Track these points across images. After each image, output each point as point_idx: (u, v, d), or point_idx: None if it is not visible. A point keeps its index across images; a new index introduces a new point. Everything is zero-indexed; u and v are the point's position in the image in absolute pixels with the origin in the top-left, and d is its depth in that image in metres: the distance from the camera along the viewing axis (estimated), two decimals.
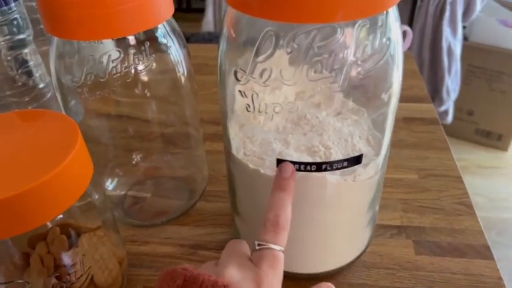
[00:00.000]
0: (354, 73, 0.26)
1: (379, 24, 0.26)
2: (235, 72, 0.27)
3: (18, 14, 0.41)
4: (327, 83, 0.26)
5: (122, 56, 0.33)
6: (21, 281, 0.29)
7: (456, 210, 0.44)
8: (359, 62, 0.26)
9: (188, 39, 0.39)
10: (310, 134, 0.31)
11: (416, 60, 1.39)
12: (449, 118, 1.47)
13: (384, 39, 0.26)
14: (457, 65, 1.39)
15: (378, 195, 0.36)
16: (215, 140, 0.55)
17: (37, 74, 0.45)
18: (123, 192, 0.46)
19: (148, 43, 0.34)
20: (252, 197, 0.34)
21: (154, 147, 0.45)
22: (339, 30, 0.24)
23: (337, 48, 0.25)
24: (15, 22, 0.42)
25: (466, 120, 1.57)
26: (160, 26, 0.36)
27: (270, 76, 0.26)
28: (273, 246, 0.26)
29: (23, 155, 0.27)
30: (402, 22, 0.28)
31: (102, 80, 0.34)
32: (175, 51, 0.37)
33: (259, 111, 0.28)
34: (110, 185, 0.46)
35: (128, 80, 0.35)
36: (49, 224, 0.31)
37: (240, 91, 0.28)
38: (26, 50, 0.44)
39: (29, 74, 0.45)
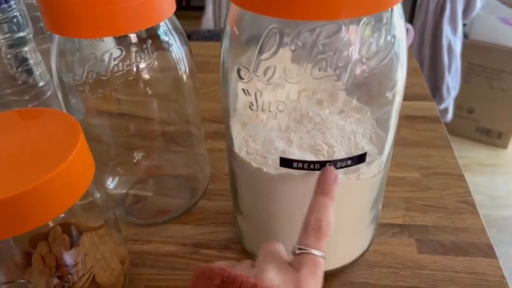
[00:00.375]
0: (358, 71, 0.26)
1: (384, 21, 0.26)
2: (239, 70, 0.27)
3: (18, 11, 0.41)
4: (331, 81, 0.26)
5: (124, 54, 0.33)
6: (22, 280, 0.29)
7: (459, 208, 0.44)
8: (364, 60, 0.25)
9: (188, 37, 0.39)
10: (313, 132, 0.30)
11: (417, 58, 1.39)
12: (449, 116, 1.47)
13: (389, 37, 0.26)
14: (457, 63, 1.39)
15: (381, 193, 0.36)
16: (217, 138, 0.55)
17: (37, 72, 0.45)
18: (124, 191, 0.46)
19: (150, 41, 0.34)
20: (254, 195, 0.34)
21: (156, 145, 0.45)
22: (343, 27, 0.24)
23: (342, 46, 0.25)
24: (15, 20, 0.41)
25: (466, 118, 1.57)
26: (162, 23, 0.35)
27: (273, 74, 0.26)
28: (314, 251, 0.25)
29: (24, 154, 0.27)
30: None
31: (103, 78, 0.33)
32: (177, 49, 0.37)
33: (262, 110, 0.28)
34: (111, 183, 0.46)
35: (130, 78, 0.35)
36: (51, 224, 0.31)
37: (243, 89, 0.28)
38: (26, 48, 0.43)
39: (29, 72, 0.44)
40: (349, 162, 0.29)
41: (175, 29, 0.37)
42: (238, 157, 0.32)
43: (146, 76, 0.36)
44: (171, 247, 0.41)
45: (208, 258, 0.40)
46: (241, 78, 0.27)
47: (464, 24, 1.41)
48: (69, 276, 0.30)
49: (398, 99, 0.30)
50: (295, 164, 0.29)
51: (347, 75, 0.26)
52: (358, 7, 0.23)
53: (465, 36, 1.43)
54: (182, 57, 0.38)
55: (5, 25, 0.41)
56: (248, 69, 0.27)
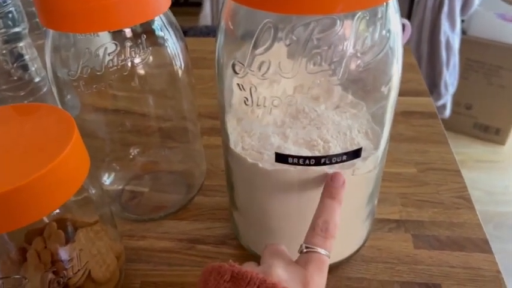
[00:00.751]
0: (353, 66, 0.26)
1: (379, 16, 0.26)
2: (233, 65, 0.27)
3: (13, 7, 0.41)
4: (326, 76, 0.26)
5: (119, 48, 0.33)
6: (18, 276, 0.29)
7: (455, 204, 0.44)
8: (358, 55, 0.25)
9: (185, 32, 0.39)
10: (309, 128, 0.30)
11: (415, 54, 1.39)
12: (447, 112, 1.47)
13: (384, 31, 0.26)
14: (455, 59, 1.38)
15: (376, 189, 0.36)
16: (212, 134, 0.55)
17: (33, 68, 0.45)
18: (120, 187, 0.46)
19: (145, 36, 0.34)
20: (250, 191, 0.34)
21: (152, 141, 0.45)
22: (338, 22, 0.24)
23: (337, 41, 0.25)
24: (10, 15, 0.41)
25: (464, 115, 1.57)
26: (157, 18, 0.35)
27: (268, 69, 0.26)
28: (320, 250, 0.27)
29: (18, 149, 0.27)
30: (400, 16, 0.27)
31: (98, 73, 0.33)
32: (173, 44, 0.37)
33: (257, 105, 0.28)
34: (107, 179, 0.46)
35: (125, 73, 0.34)
36: (46, 219, 0.31)
37: (238, 84, 0.28)
38: (21, 44, 0.43)
39: (25, 68, 0.44)
40: (344, 157, 0.29)
41: (171, 24, 0.37)
42: (234, 153, 0.32)
43: (141, 71, 0.36)
44: (167, 243, 0.41)
45: (204, 253, 0.40)
46: (236, 73, 0.27)
47: (462, 21, 1.41)
48: (65, 271, 0.30)
49: (393, 95, 0.30)
50: (290, 160, 0.29)
51: (342, 69, 0.25)
52: (353, 1, 0.23)
53: (463, 32, 1.43)
54: (178, 53, 0.38)
55: (0, 20, 0.40)
56: (243, 64, 0.27)
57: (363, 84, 0.29)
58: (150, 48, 0.35)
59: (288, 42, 0.25)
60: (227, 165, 0.35)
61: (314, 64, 0.25)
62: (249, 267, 0.26)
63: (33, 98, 0.44)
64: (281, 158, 0.29)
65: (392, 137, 0.33)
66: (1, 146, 0.27)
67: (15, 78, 0.43)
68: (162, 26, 0.36)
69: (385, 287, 0.36)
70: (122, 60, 0.33)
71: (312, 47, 0.25)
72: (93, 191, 0.32)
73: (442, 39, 1.35)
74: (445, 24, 1.34)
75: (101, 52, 0.33)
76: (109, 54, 0.33)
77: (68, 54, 0.34)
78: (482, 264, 0.38)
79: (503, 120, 1.52)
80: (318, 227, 0.27)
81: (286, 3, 0.23)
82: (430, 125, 0.56)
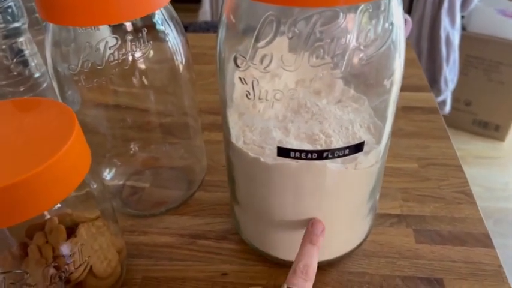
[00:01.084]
0: (355, 59, 0.25)
1: (382, 8, 0.25)
2: (235, 58, 0.27)
3: (12, 1, 0.41)
4: (328, 69, 0.26)
5: (119, 42, 0.33)
6: (19, 271, 0.29)
7: (456, 199, 0.44)
8: (361, 48, 0.25)
9: (185, 28, 0.39)
10: (311, 122, 0.30)
11: (415, 50, 1.38)
12: (447, 108, 1.46)
13: (387, 24, 0.26)
14: (455, 55, 1.38)
15: (378, 184, 0.35)
16: (213, 130, 0.55)
17: (33, 64, 0.44)
18: (121, 182, 0.46)
19: (145, 30, 0.34)
20: (251, 185, 0.34)
21: (153, 137, 0.45)
22: (341, 14, 0.24)
23: (339, 33, 0.24)
24: (9, 10, 0.41)
25: (464, 111, 1.57)
26: (158, 12, 0.35)
27: (270, 62, 0.26)
28: None
29: (19, 143, 0.27)
30: None
31: (99, 67, 0.33)
32: (174, 39, 0.37)
33: (259, 98, 0.28)
34: (108, 175, 0.46)
35: (125, 68, 0.34)
36: (47, 214, 0.31)
37: (240, 78, 0.28)
38: (21, 39, 0.43)
39: (25, 63, 0.44)
40: (346, 151, 0.29)
41: (172, 18, 0.37)
42: (235, 147, 0.32)
43: (142, 66, 0.35)
44: (168, 238, 0.41)
45: (205, 248, 0.40)
46: (237, 66, 0.27)
47: (462, 16, 1.40)
48: (66, 266, 0.30)
49: (395, 89, 0.30)
50: (292, 154, 0.29)
51: (344, 62, 0.25)
52: None
53: (463, 28, 1.43)
54: (179, 48, 0.37)
55: (0, 15, 0.40)
56: (245, 58, 0.26)
57: (365, 78, 0.29)
58: (151, 42, 0.34)
59: (290, 35, 0.25)
60: (228, 159, 0.35)
61: (316, 57, 0.25)
62: None
63: (33, 93, 0.44)
64: (283, 152, 0.29)
65: (393, 132, 0.33)
66: (1, 140, 0.27)
67: (15, 73, 0.43)
68: (163, 20, 0.36)
69: (386, 281, 0.36)
70: (122, 55, 0.33)
71: (315, 39, 0.24)
72: (94, 186, 0.32)
73: (442, 35, 1.34)
74: (445, 20, 1.33)
75: (101, 46, 0.32)
76: (110, 48, 0.32)
77: (68, 48, 0.34)
78: (483, 258, 0.38)
79: (502, 117, 1.52)
80: (299, 270, 0.29)
81: None
82: (431, 120, 0.55)
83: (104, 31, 0.33)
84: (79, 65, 0.33)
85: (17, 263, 0.30)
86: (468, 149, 1.52)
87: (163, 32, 0.36)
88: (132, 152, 0.46)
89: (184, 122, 0.45)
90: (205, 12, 1.57)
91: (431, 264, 0.37)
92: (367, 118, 0.31)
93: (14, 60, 0.43)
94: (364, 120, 0.31)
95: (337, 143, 0.29)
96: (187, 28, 1.19)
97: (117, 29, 0.33)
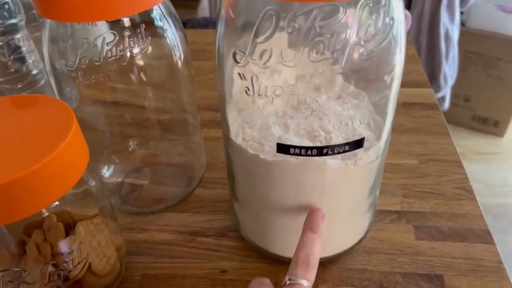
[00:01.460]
0: (356, 54, 0.25)
1: (382, 3, 0.25)
2: (234, 54, 0.27)
3: None
4: (328, 65, 0.26)
5: (117, 38, 0.32)
6: (17, 269, 0.29)
7: (456, 195, 0.44)
8: (362, 43, 0.25)
9: (184, 24, 0.38)
10: (311, 118, 0.30)
11: (414, 46, 1.38)
12: (447, 104, 1.46)
13: (387, 19, 0.26)
14: (454, 51, 1.38)
15: (378, 180, 0.35)
16: (212, 126, 0.54)
17: (30, 60, 0.44)
18: (120, 180, 0.46)
19: (143, 25, 0.33)
20: (251, 182, 0.34)
21: (151, 134, 0.45)
22: (341, 9, 0.24)
23: (339, 28, 0.24)
24: (6, 6, 0.40)
25: (463, 107, 1.57)
26: (156, 8, 0.35)
27: (270, 57, 0.25)
28: (303, 281, 0.27)
29: (17, 141, 0.26)
30: None
31: (96, 63, 0.33)
32: (172, 35, 0.36)
33: (259, 94, 0.28)
34: (106, 172, 0.46)
35: (123, 64, 0.34)
36: (45, 212, 0.30)
37: (239, 73, 0.27)
38: (18, 36, 0.43)
39: (22, 60, 0.44)
40: (346, 147, 0.29)
41: (170, 14, 0.36)
42: (235, 144, 0.32)
43: (140, 62, 0.35)
44: (168, 235, 0.41)
45: (205, 246, 0.40)
46: (237, 62, 0.27)
47: (461, 12, 1.40)
48: (65, 264, 0.30)
49: (396, 84, 0.29)
50: (292, 150, 0.29)
51: (345, 58, 0.25)
52: None
53: (462, 24, 1.42)
54: (177, 43, 0.37)
55: None
56: (244, 53, 0.26)
57: (366, 74, 0.28)
58: (149, 38, 0.34)
59: (290, 30, 0.24)
60: (228, 156, 0.35)
61: (316, 52, 0.25)
62: None
63: (30, 90, 0.44)
64: (282, 148, 0.29)
65: (393, 128, 0.33)
66: None
67: (13, 70, 0.43)
68: (161, 15, 0.35)
69: (386, 278, 0.36)
70: (120, 51, 0.33)
71: (315, 34, 0.24)
72: (93, 184, 0.32)
73: (441, 30, 1.34)
74: (444, 16, 1.33)
75: (99, 42, 0.32)
76: (107, 44, 0.32)
77: (66, 45, 0.33)
78: (484, 254, 0.38)
79: (502, 112, 1.52)
80: (300, 260, 0.28)
81: None
82: (431, 116, 0.55)
83: (102, 27, 0.32)
84: (76, 62, 0.33)
85: (15, 261, 0.30)
86: (467, 145, 1.52)
87: (162, 27, 0.36)
88: (130, 149, 0.46)
89: (183, 119, 0.44)
90: (203, 9, 1.57)
91: (431, 260, 0.37)
92: (367, 114, 0.31)
93: (12, 57, 0.43)
94: (364, 116, 0.31)
95: (337, 139, 0.29)
96: (186, 24, 1.19)
97: (115, 25, 0.32)
